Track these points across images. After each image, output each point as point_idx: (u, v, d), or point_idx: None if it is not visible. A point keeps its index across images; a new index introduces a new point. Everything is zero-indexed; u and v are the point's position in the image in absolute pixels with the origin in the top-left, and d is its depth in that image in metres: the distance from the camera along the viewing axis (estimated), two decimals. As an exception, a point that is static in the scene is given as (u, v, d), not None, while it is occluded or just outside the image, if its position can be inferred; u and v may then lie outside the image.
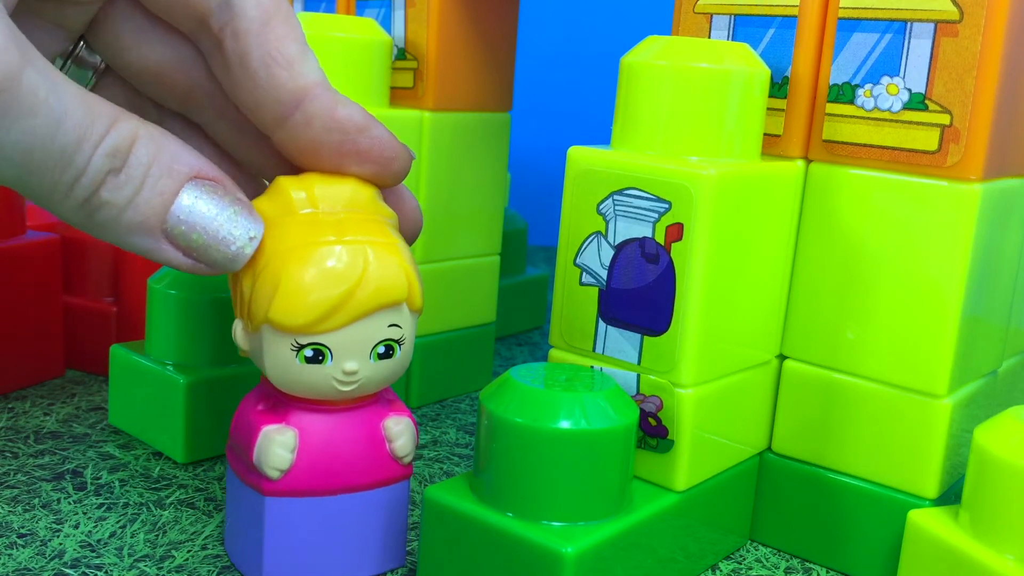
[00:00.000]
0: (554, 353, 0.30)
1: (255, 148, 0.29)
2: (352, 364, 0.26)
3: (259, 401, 0.28)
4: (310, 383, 0.26)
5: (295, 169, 0.28)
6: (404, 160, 0.28)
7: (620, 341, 0.28)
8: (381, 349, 0.27)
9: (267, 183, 0.29)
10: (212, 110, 0.29)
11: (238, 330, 0.27)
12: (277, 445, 0.27)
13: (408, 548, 0.31)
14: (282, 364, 0.26)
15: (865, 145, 0.29)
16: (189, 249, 0.25)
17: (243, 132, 0.29)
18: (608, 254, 0.28)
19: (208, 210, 0.25)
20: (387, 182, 0.28)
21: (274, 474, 0.27)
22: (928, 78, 0.28)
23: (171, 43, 0.28)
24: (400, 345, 0.27)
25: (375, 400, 0.28)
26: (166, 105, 0.29)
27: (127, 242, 0.25)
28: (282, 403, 0.28)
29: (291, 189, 0.27)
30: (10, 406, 0.40)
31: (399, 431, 0.28)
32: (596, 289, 0.28)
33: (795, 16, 0.29)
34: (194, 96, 0.29)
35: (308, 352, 0.26)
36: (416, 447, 0.29)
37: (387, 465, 0.28)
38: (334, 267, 0.25)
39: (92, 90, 0.28)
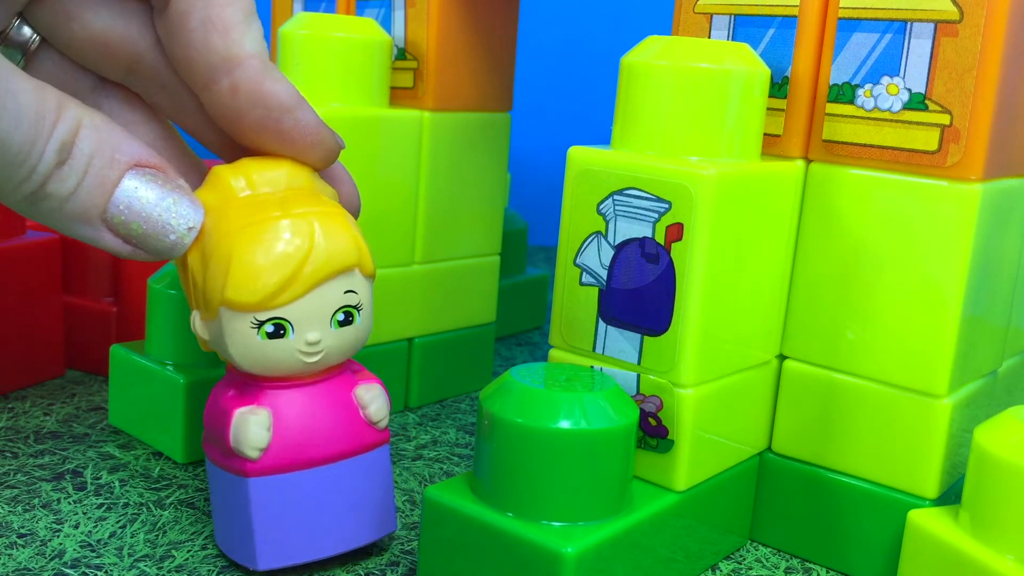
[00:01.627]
0: (554, 353, 0.30)
1: (196, 118, 0.29)
2: (314, 334, 0.27)
3: (228, 388, 0.28)
4: (275, 359, 0.27)
5: (235, 144, 0.29)
6: (328, 147, 0.28)
7: (620, 341, 0.28)
8: (341, 316, 0.27)
9: (206, 164, 0.30)
10: (155, 81, 0.29)
11: (196, 321, 0.27)
12: (252, 424, 0.27)
13: (408, 548, 0.31)
14: (244, 344, 0.26)
15: (865, 145, 0.29)
16: (129, 237, 0.26)
17: (185, 103, 0.29)
18: (608, 254, 0.28)
19: (148, 200, 0.26)
20: (314, 165, 0.28)
21: (253, 453, 0.27)
22: (928, 78, 0.28)
23: (118, 12, 0.28)
24: (359, 311, 0.28)
25: (342, 371, 0.29)
26: (108, 76, 0.29)
27: (68, 230, 0.25)
28: (251, 386, 0.28)
29: (229, 177, 0.27)
30: (10, 406, 0.40)
31: (371, 397, 0.29)
32: (596, 289, 0.29)
33: (795, 16, 0.29)
34: (138, 67, 0.29)
35: (269, 328, 0.26)
36: (390, 411, 0.29)
37: (364, 431, 0.29)
38: (284, 240, 0.26)
39: (25, 70, 0.28)
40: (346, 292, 0.27)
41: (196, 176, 0.30)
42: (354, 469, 0.29)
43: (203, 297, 0.27)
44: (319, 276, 0.26)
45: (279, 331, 0.26)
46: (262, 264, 0.26)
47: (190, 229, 0.26)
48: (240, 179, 0.27)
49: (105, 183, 0.25)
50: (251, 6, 0.27)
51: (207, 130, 0.30)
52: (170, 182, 0.26)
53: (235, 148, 0.29)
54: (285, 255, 0.26)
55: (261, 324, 0.26)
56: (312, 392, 0.28)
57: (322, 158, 0.28)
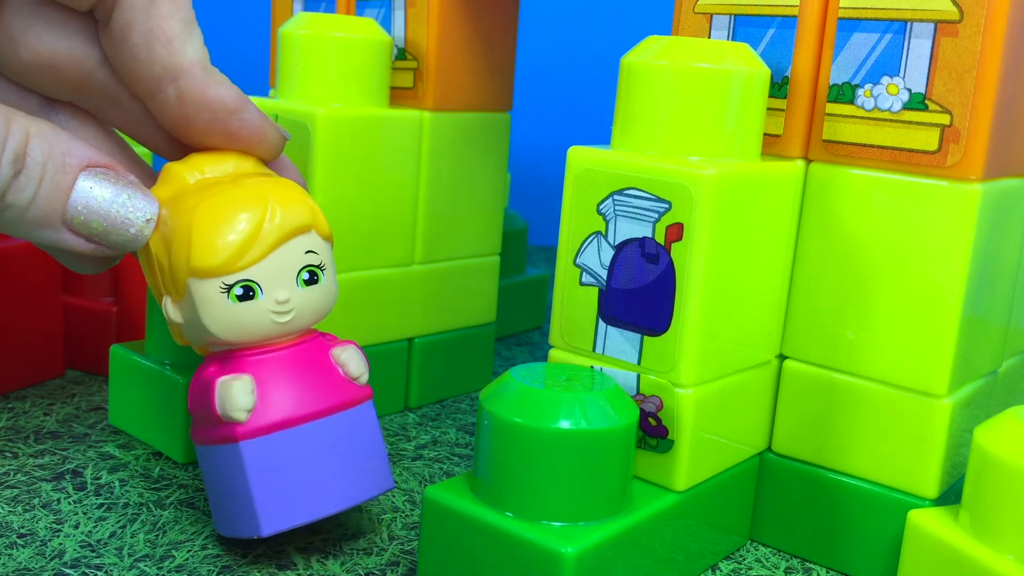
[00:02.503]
0: (554, 353, 0.30)
1: (147, 128, 0.30)
2: (283, 293, 0.28)
3: (208, 366, 0.29)
4: (249, 323, 0.28)
5: (187, 149, 0.30)
6: (274, 142, 0.30)
7: (620, 341, 0.28)
8: (306, 276, 0.29)
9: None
10: (105, 96, 0.30)
11: (168, 307, 0.28)
12: (236, 389, 0.28)
13: (408, 548, 0.31)
14: (217, 310, 0.28)
15: (865, 145, 0.29)
16: (90, 236, 0.27)
17: (135, 114, 0.30)
18: (608, 254, 0.28)
19: (104, 197, 0.27)
20: (262, 158, 0.30)
21: (241, 415, 0.28)
22: (928, 78, 0.28)
23: (64, 33, 0.29)
24: (322, 271, 0.29)
25: (316, 336, 0.30)
26: (56, 97, 0.30)
27: (31, 235, 0.27)
28: (229, 359, 0.29)
29: (182, 170, 0.29)
30: (10, 406, 0.40)
31: (348, 356, 0.30)
32: (596, 289, 0.29)
33: (795, 16, 0.29)
34: (87, 84, 0.29)
35: (238, 291, 0.27)
36: (368, 368, 0.30)
37: (346, 387, 0.30)
38: (240, 205, 0.28)
39: None
40: (307, 252, 0.29)
41: (141, 170, 0.31)
42: (341, 424, 0.29)
43: (171, 278, 0.28)
44: (278, 235, 0.28)
45: (248, 293, 0.28)
46: (222, 229, 0.27)
47: (148, 221, 0.28)
48: (192, 171, 0.29)
49: (61, 187, 0.26)
50: (190, 15, 0.28)
51: (159, 138, 0.31)
52: (122, 179, 0.27)
53: (188, 152, 0.30)
54: (243, 218, 0.27)
55: (230, 288, 0.27)
56: (289, 354, 0.29)
57: (268, 151, 0.30)
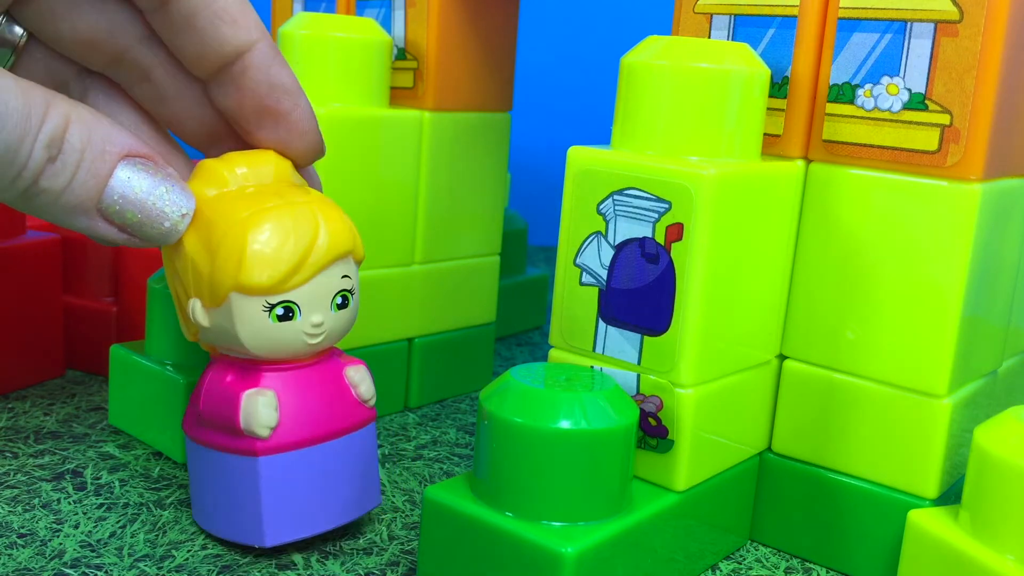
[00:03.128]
0: (554, 353, 0.30)
1: (175, 108, 0.30)
2: (318, 316, 0.28)
3: (226, 373, 0.29)
4: (283, 341, 0.28)
5: (212, 128, 0.30)
6: (315, 144, 0.30)
7: (620, 341, 0.28)
8: (339, 300, 0.29)
9: (185, 152, 0.32)
10: (137, 73, 0.30)
11: (197, 309, 0.28)
12: (262, 406, 0.28)
13: (408, 548, 0.31)
14: (256, 327, 0.28)
15: (865, 145, 0.29)
16: (124, 226, 0.27)
17: (165, 94, 0.30)
18: (608, 254, 0.28)
19: (141, 188, 0.26)
20: (298, 158, 0.30)
21: (265, 432, 0.28)
22: (928, 78, 0.28)
23: (103, 9, 0.29)
24: (352, 295, 0.29)
25: (331, 355, 0.30)
26: (91, 67, 0.30)
27: (64, 221, 0.26)
28: (250, 370, 0.29)
29: (221, 169, 0.29)
30: (10, 406, 0.40)
31: (360, 377, 0.30)
32: (596, 289, 0.29)
33: (795, 16, 0.29)
34: (121, 60, 0.29)
35: (279, 311, 0.28)
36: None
37: (356, 409, 0.30)
38: (292, 227, 0.28)
39: (14, 66, 0.29)
40: (343, 276, 0.29)
41: (179, 160, 0.31)
42: (348, 446, 0.30)
43: (209, 284, 0.28)
44: (324, 261, 0.28)
45: (288, 314, 0.28)
46: (275, 249, 0.27)
47: (184, 216, 0.27)
48: (233, 171, 0.29)
49: (99, 175, 0.26)
50: None
51: (186, 121, 0.31)
52: (161, 171, 0.27)
53: (213, 140, 0.31)
54: (295, 240, 0.27)
55: (272, 307, 0.28)
56: (308, 373, 0.29)
57: (307, 149, 0.30)
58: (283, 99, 0.29)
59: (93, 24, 0.28)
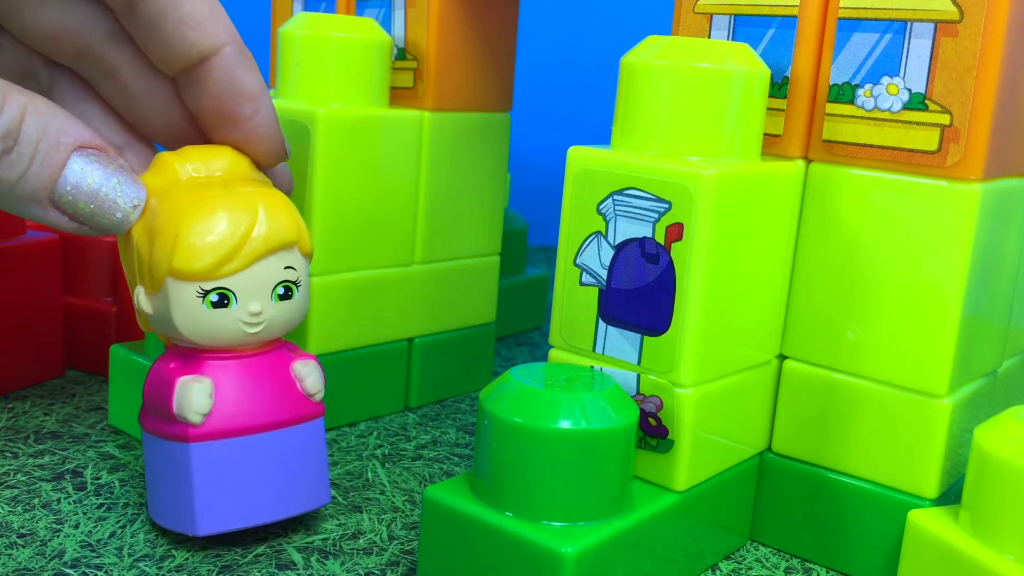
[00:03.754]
0: (554, 353, 0.30)
1: (142, 107, 0.31)
2: (256, 305, 0.28)
3: (170, 360, 0.29)
4: (219, 328, 0.28)
5: (179, 128, 0.31)
6: (277, 149, 0.30)
7: (620, 341, 0.28)
8: (281, 290, 0.29)
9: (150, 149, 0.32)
10: (100, 69, 0.30)
11: (140, 296, 0.29)
12: (195, 392, 0.28)
13: (408, 548, 0.31)
14: (190, 313, 0.28)
15: (865, 145, 0.29)
16: (76, 216, 0.27)
17: (128, 91, 0.31)
18: (608, 254, 0.28)
19: (94, 179, 0.27)
20: (260, 159, 0.30)
21: (196, 419, 0.28)
22: (928, 78, 0.28)
23: (71, 5, 0.29)
24: (298, 287, 0.29)
25: (280, 347, 0.30)
26: (57, 60, 0.30)
27: (18, 210, 0.27)
28: (193, 358, 0.29)
29: (174, 161, 0.29)
30: (10, 406, 0.40)
31: (308, 371, 0.30)
32: (596, 289, 0.29)
33: (795, 16, 0.29)
34: (86, 56, 0.30)
35: (214, 297, 0.28)
36: (325, 385, 0.31)
37: (301, 403, 0.30)
38: (229, 213, 0.28)
39: None
40: (286, 267, 0.29)
41: (146, 153, 0.31)
42: (291, 438, 0.30)
43: (149, 270, 0.28)
44: (262, 249, 0.28)
45: (223, 300, 0.28)
46: (208, 235, 0.27)
47: (135, 207, 0.28)
48: (185, 164, 0.29)
49: (52, 166, 0.26)
50: None
51: (153, 120, 0.31)
52: (113, 162, 0.27)
53: (180, 139, 0.31)
54: (230, 228, 0.28)
55: (206, 294, 0.28)
56: (251, 363, 0.29)
57: (268, 156, 0.30)
58: (244, 104, 0.29)
59: (59, 19, 0.29)
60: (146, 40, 0.29)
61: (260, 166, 0.31)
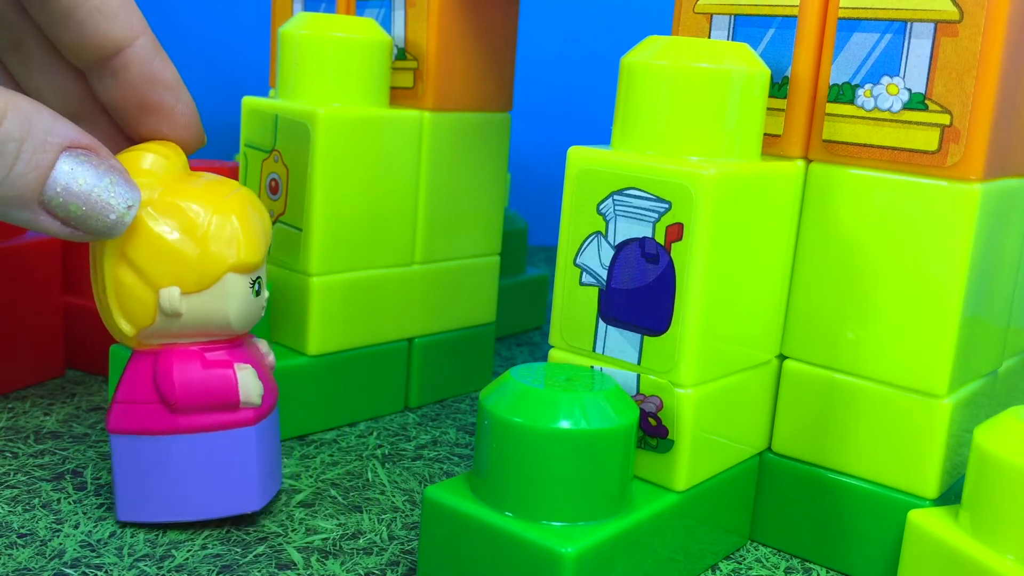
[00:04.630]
0: (554, 353, 0.30)
1: (38, 80, 0.31)
2: (266, 291, 0.31)
3: (193, 359, 0.30)
4: (254, 315, 0.30)
5: (76, 108, 0.31)
6: (197, 134, 0.31)
7: (620, 341, 0.28)
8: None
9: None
10: (6, 39, 0.30)
11: (173, 297, 0.28)
12: (252, 375, 0.30)
13: (408, 548, 0.31)
14: (244, 302, 0.30)
15: (865, 145, 0.29)
16: (68, 219, 0.26)
17: (29, 64, 0.30)
18: (608, 254, 0.28)
19: (85, 181, 0.26)
20: (184, 147, 0.31)
21: (259, 400, 0.30)
22: (928, 78, 0.28)
23: None
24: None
25: (230, 348, 0.31)
26: None
27: (4, 215, 0.26)
28: (200, 352, 0.30)
29: (162, 154, 0.29)
30: (10, 406, 0.40)
31: (240, 378, 0.30)
32: (596, 289, 0.29)
33: (795, 16, 0.29)
34: (19, 47, 0.30)
35: (257, 286, 0.30)
36: (260, 393, 0.30)
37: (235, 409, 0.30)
38: (255, 209, 0.30)
39: None
40: None
41: (112, 138, 0.31)
42: (209, 443, 0.30)
43: (198, 268, 0.28)
44: (271, 239, 0.31)
45: (257, 287, 0.30)
46: (256, 227, 0.30)
47: (129, 208, 0.27)
48: (169, 157, 0.30)
49: (40, 167, 0.26)
50: None
51: (47, 94, 0.31)
52: (104, 162, 0.27)
53: (74, 118, 0.31)
54: (262, 220, 0.30)
55: (254, 282, 0.30)
56: (239, 353, 0.30)
57: (189, 141, 0.31)
58: (164, 95, 0.29)
59: None
60: (56, 30, 0.29)
61: (187, 152, 0.31)
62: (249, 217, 0.29)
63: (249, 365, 0.30)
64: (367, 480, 0.35)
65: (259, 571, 0.29)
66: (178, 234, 0.28)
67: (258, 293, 0.30)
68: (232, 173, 0.41)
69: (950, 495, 0.30)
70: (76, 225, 0.26)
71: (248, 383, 0.30)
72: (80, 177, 0.26)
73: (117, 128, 0.31)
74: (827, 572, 0.31)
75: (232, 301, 0.29)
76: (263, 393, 0.30)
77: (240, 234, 0.29)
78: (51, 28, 0.29)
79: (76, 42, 0.29)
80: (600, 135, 0.34)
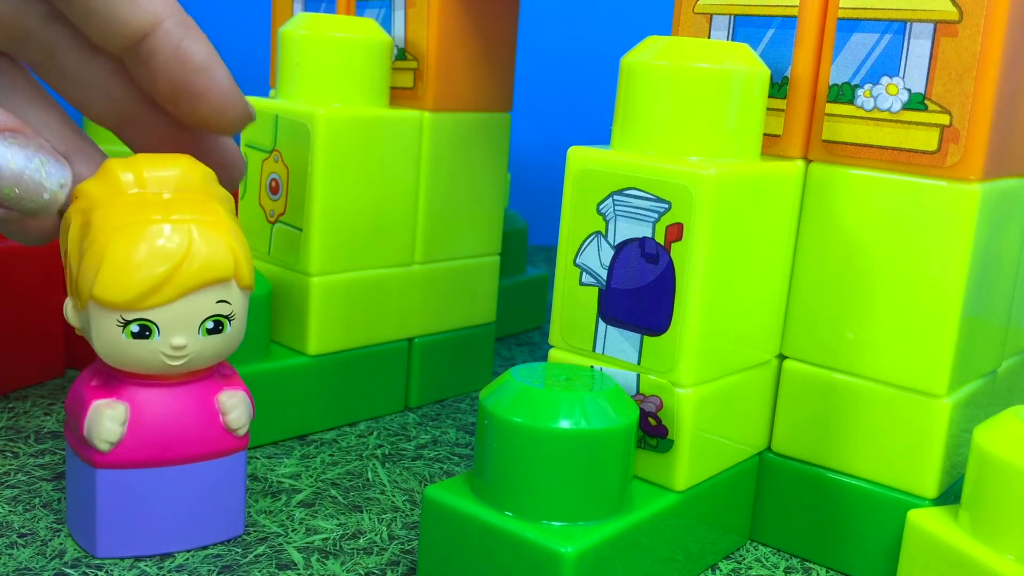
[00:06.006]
0: (554, 353, 0.30)
1: (82, 89, 0.30)
2: (180, 339, 0.27)
3: (93, 377, 0.29)
4: (138, 358, 0.27)
5: (122, 109, 0.30)
6: (239, 113, 0.29)
7: (620, 341, 0.28)
8: (210, 325, 0.27)
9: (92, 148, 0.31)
10: (41, 52, 0.30)
11: (68, 308, 0.28)
12: (107, 419, 0.27)
13: (408, 548, 0.31)
14: (109, 340, 0.27)
15: (865, 145, 0.29)
16: (1, 201, 0.26)
17: (70, 74, 0.30)
18: (608, 254, 0.28)
19: (15, 163, 0.26)
20: (221, 130, 0.30)
21: (104, 447, 0.27)
22: (928, 78, 0.28)
23: None
24: (230, 321, 0.28)
25: (210, 374, 0.29)
26: None
27: None
28: (115, 378, 0.28)
29: (119, 171, 0.27)
30: (10, 406, 0.40)
31: (233, 404, 0.29)
32: (596, 289, 0.29)
33: (795, 16, 0.29)
34: (26, 40, 0.29)
35: (134, 328, 0.27)
36: (251, 420, 0.30)
37: (221, 437, 0.29)
38: (158, 245, 0.26)
39: None
40: (219, 302, 0.27)
41: (94, 153, 0.31)
42: (205, 473, 0.29)
43: (76, 287, 0.27)
44: (190, 284, 0.27)
45: (144, 332, 0.27)
46: (132, 266, 0.26)
47: (62, 186, 0.27)
48: (129, 174, 0.27)
49: None
50: None
51: (94, 102, 0.30)
52: (33, 142, 0.26)
53: (124, 121, 0.30)
54: (158, 259, 0.26)
55: (127, 324, 0.27)
56: (174, 392, 0.28)
57: (231, 122, 0.29)
58: (197, 79, 0.29)
59: None
60: (83, 22, 0.29)
61: (227, 132, 0.30)
62: (131, 253, 0.26)
63: (120, 406, 0.27)
64: (367, 480, 0.35)
65: (259, 571, 0.29)
66: (74, 246, 0.27)
67: (137, 336, 0.27)
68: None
69: (949, 495, 0.30)
70: (11, 206, 0.26)
71: (97, 424, 0.27)
72: (11, 160, 0.26)
73: (170, 120, 0.31)
74: (827, 572, 0.31)
75: (97, 334, 0.27)
76: (115, 441, 0.27)
77: (103, 267, 0.26)
78: (76, 20, 0.29)
79: (101, 32, 0.28)
80: (600, 135, 0.34)
